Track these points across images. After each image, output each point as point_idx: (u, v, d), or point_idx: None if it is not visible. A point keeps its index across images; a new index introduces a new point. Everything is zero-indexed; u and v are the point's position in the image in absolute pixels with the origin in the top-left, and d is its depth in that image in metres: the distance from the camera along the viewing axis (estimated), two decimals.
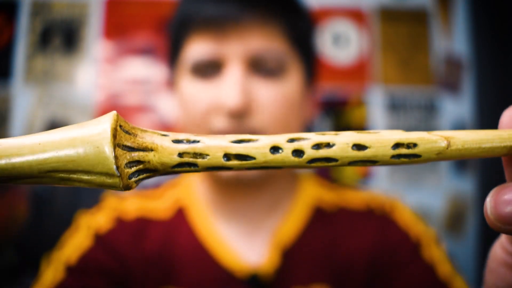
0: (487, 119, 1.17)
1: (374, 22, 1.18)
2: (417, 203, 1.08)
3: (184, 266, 0.45)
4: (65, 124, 1.09)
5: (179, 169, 0.17)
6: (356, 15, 1.18)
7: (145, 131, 0.17)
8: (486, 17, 1.22)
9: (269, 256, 0.45)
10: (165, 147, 0.17)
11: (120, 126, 0.16)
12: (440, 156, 0.17)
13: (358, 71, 1.17)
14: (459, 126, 1.17)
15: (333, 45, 1.17)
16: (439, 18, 1.20)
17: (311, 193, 0.50)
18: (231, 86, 0.41)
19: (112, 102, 1.11)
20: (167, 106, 1.12)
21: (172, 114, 1.10)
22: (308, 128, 0.52)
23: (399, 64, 1.18)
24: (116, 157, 0.15)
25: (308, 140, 0.17)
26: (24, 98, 1.09)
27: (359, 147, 0.17)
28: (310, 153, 0.17)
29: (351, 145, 0.16)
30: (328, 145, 0.17)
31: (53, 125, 1.09)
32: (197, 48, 0.44)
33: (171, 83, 0.51)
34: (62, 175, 0.15)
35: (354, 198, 0.50)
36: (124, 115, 1.11)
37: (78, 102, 1.10)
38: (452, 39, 1.20)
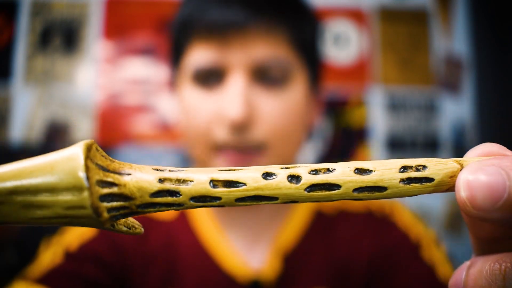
0: (487, 119, 1.17)
1: (374, 22, 1.18)
2: (417, 203, 1.08)
3: (185, 269, 0.45)
4: (65, 124, 1.09)
5: (159, 199, 0.15)
6: (356, 15, 1.18)
7: (123, 162, 0.15)
8: (486, 17, 1.22)
9: (270, 261, 0.45)
10: (144, 172, 0.15)
11: (97, 149, 0.15)
12: (454, 180, 0.15)
13: (358, 71, 1.17)
14: (459, 126, 1.17)
15: (333, 45, 1.17)
16: (439, 18, 1.20)
17: None
18: (233, 97, 0.40)
19: (112, 102, 1.11)
20: (167, 106, 1.12)
21: (172, 114, 1.10)
22: (311, 132, 0.51)
23: (399, 64, 1.18)
24: (86, 167, 0.13)
25: (304, 167, 0.15)
26: (24, 98, 1.09)
27: (362, 171, 0.15)
28: (307, 178, 0.15)
29: (353, 169, 0.15)
30: (328, 170, 0.15)
31: (53, 125, 1.09)
32: (200, 55, 0.42)
33: (172, 83, 0.51)
34: (24, 198, 0.13)
35: (354, 201, 0.50)
36: (124, 115, 1.11)
37: (78, 102, 1.10)
38: (452, 39, 1.20)
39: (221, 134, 0.42)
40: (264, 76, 0.42)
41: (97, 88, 1.11)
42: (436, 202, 1.12)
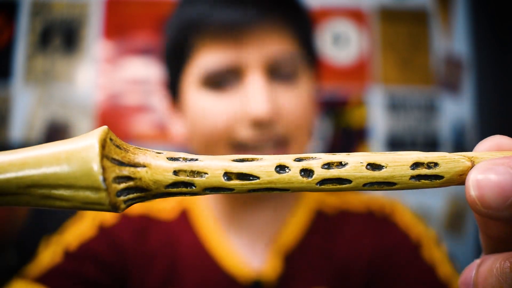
0: (487, 119, 1.17)
1: (374, 22, 1.18)
2: (418, 203, 1.08)
3: (186, 269, 0.45)
4: (65, 124, 1.09)
5: (174, 189, 0.15)
6: (356, 15, 1.18)
7: (138, 148, 0.16)
8: (486, 17, 1.22)
9: (271, 261, 0.45)
10: (159, 164, 0.15)
11: (111, 139, 0.15)
12: (463, 178, 0.15)
13: (358, 71, 1.17)
14: (459, 126, 1.17)
15: (333, 45, 1.17)
16: (439, 18, 1.20)
17: (313, 197, 0.50)
18: (256, 95, 0.40)
19: (112, 102, 1.11)
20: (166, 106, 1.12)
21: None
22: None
23: (399, 64, 1.18)
24: (103, 168, 0.14)
25: (317, 160, 0.15)
26: (24, 98, 1.09)
27: (374, 166, 0.15)
28: (320, 172, 0.15)
29: (365, 164, 0.15)
30: (340, 164, 0.15)
31: (53, 125, 1.09)
32: (212, 57, 0.42)
33: (168, 86, 0.51)
34: (42, 191, 0.14)
35: (355, 200, 0.50)
36: (124, 115, 1.11)
37: (78, 102, 1.10)
38: (452, 39, 1.20)
39: (244, 132, 0.41)
40: (278, 72, 0.43)
41: (97, 88, 1.11)
42: (436, 202, 1.12)
